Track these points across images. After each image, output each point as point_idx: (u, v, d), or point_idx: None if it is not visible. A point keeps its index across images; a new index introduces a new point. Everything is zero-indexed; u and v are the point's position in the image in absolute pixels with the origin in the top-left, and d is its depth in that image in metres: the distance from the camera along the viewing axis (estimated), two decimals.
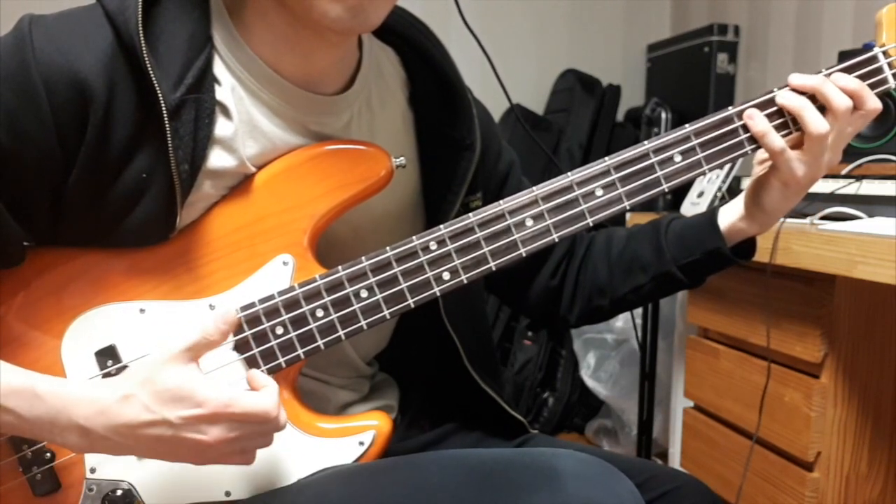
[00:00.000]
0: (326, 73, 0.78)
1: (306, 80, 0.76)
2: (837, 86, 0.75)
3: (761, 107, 0.77)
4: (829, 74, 0.76)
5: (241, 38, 0.74)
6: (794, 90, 0.76)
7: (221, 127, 0.73)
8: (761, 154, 0.81)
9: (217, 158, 0.73)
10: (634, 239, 0.91)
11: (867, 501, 1.28)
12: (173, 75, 0.69)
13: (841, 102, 0.74)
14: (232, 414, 0.65)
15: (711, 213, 0.86)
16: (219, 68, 0.74)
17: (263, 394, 0.67)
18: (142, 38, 0.68)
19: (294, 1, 0.70)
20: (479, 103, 0.92)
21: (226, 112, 0.73)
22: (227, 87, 0.74)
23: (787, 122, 0.77)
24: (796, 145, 0.77)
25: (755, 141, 0.76)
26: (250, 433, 0.66)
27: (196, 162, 0.71)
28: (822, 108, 0.75)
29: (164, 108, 0.68)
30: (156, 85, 0.68)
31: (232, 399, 0.65)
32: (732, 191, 1.59)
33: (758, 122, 0.76)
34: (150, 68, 0.68)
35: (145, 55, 0.68)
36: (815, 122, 0.74)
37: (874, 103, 0.76)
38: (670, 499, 0.85)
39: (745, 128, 0.76)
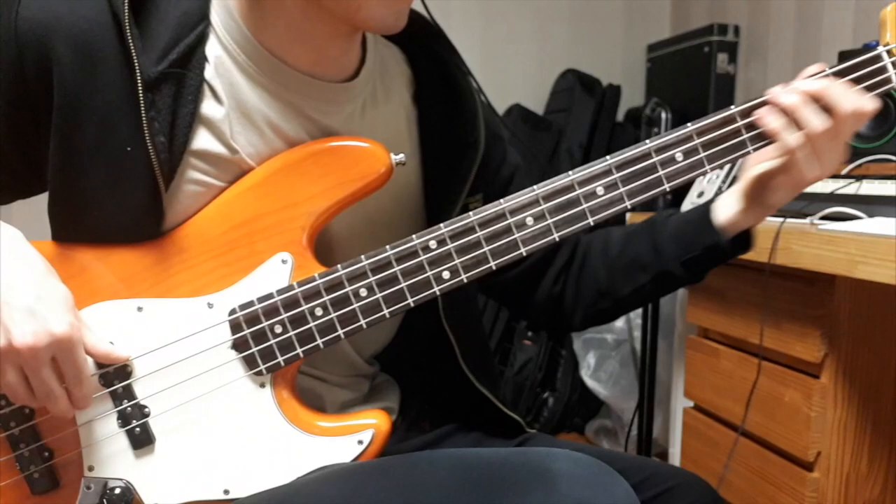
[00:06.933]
0: (332, 64, 0.77)
1: (311, 70, 0.76)
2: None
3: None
4: (828, 74, 0.75)
5: (241, 19, 0.74)
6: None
7: (209, 107, 0.73)
8: (757, 156, 0.80)
9: (202, 139, 0.73)
10: (631, 239, 0.91)
11: (867, 501, 1.28)
12: (158, 49, 0.71)
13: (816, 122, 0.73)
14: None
15: (705, 207, 0.86)
16: (213, 48, 0.74)
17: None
18: (126, 8, 0.69)
19: (335, 1, 0.70)
20: (487, 104, 0.92)
21: (214, 93, 0.73)
22: (220, 68, 0.74)
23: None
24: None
25: (757, 140, 0.76)
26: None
27: (176, 138, 0.72)
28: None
29: (139, 79, 0.69)
30: (134, 56, 0.69)
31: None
32: None
33: (770, 120, 0.74)
34: (130, 39, 0.69)
35: (128, 25, 0.69)
36: (812, 121, 0.73)
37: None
38: (671, 496, 0.85)
39: (748, 127, 0.75)
